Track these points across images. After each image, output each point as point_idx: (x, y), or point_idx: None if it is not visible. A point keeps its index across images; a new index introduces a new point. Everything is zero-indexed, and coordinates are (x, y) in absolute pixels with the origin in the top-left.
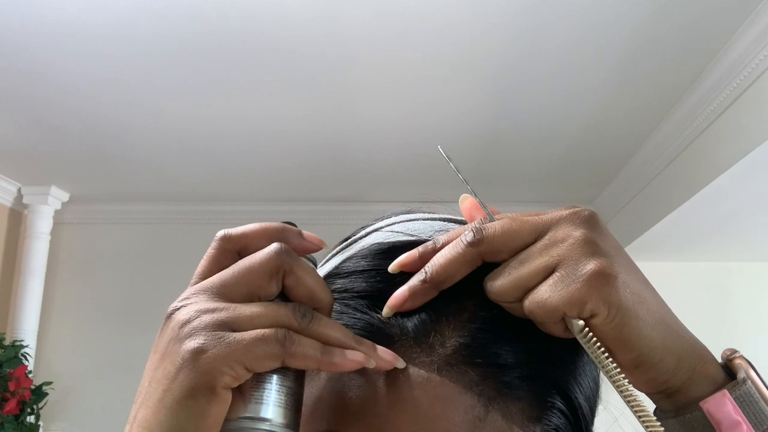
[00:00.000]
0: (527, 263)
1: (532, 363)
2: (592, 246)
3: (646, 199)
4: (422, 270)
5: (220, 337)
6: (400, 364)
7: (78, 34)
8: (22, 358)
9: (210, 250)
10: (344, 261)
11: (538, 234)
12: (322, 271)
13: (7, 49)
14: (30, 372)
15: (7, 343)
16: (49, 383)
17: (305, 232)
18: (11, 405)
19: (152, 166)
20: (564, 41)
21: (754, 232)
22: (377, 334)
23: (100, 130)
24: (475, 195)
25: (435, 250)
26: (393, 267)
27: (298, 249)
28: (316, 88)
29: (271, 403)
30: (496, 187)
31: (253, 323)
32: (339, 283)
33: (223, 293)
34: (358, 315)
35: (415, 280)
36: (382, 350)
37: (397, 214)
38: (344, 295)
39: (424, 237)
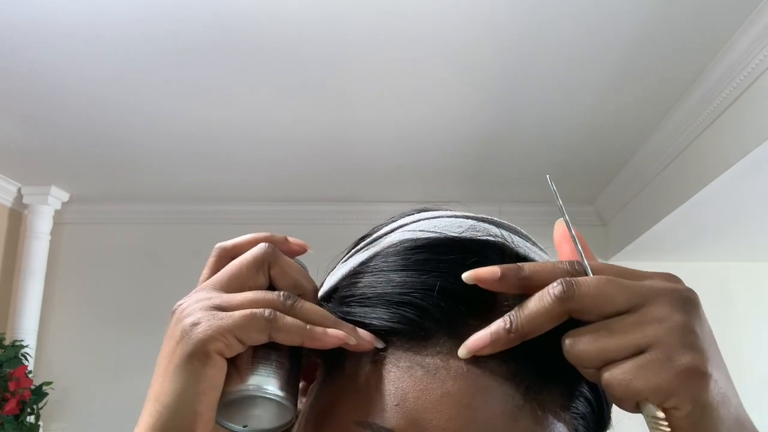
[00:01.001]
0: (617, 336)
1: (561, 353)
2: (690, 336)
3: (646, 199)
4: (507, 317)
5: (214, 314)
6: (379, 344)
7: (78, 34)
8: (22, 358)
9: (209, 260)
10: (371, 258)
11: (633, 304)
12: (344, 268)
13: (7, 50)
14: (30, 372)
15: (7, 343)
16: (49, 383)
17: (290, 238)
18: (11, 405)
19: (152, 166)
20: (564, 41)
21: (754, 232)
22: (414, 327)
23: (101, 131)
24: (575, 240)
25: (519, 276)
26: (468, 276)
27: (284, 252)
28: (317, 89)
29: (266, 375)
30: (497, 187)
31: (243, 306)
32: (366, 281)
33: (218, 287)
34: (393, 310)
35: (498, 327)
36: (362, 332)
37: (411, 213)
38: (374, 290)
39: (451, 234)
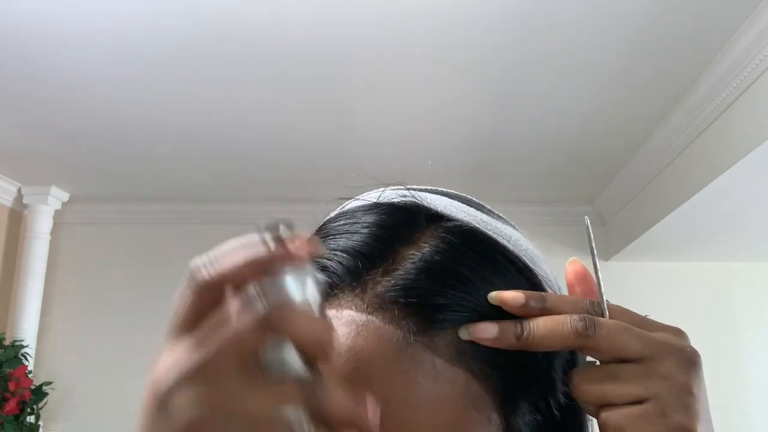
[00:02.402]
0: (622, 383)
1: (463, 307)
2: (688, 397)
3: (646, 199)
4: (519, 324)
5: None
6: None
7: (79, 36)
8: (22, 358)
9: (186, 294)
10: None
11: (642, 355)
12: None
13: (8, 51)
14: (30, 372)
15: (7, 343)
16: (49, 383)
17: (298, 241)
18: (11, 405)
19: (152, 166)
20: (564, 42)
21: (754, 232)
22: (325, 287)
23: (101, 131)
24: (599, 282)
25: (541, 307)
26: (492, 297)
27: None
28: (317, 90)
29: None
30: (496, 187)
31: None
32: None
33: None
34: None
35: (508, 329)
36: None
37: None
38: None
39: (368, 200)
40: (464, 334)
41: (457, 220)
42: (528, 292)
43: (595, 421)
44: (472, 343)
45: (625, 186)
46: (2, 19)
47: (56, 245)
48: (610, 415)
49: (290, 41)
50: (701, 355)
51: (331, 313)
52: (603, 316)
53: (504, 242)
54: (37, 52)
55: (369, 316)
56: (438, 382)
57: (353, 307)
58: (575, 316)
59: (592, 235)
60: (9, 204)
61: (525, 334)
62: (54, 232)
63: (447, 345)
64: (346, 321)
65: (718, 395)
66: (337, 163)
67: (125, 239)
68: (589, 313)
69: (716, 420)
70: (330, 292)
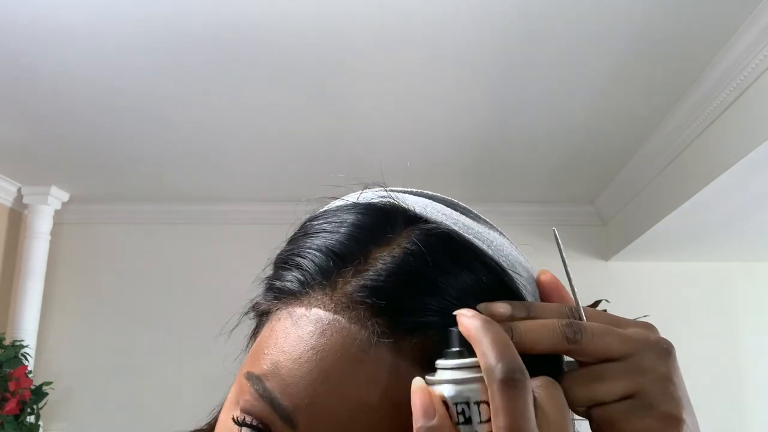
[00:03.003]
0: (608, 381)
1: (432, 311)
2: (670, 386)
3: (646, 199)
4: (509, 327)
5: None
6: None
7: (79, 36)
8: (22, 358)
9: (509, 398)
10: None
11: (624, 353)
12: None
13: (9, 51)
14: (30, 372)
15: (7, 343)
16: (49, 383)
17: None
18: (11, 405)
19: (152, 166)
20: (563, 42)
21: (754, 232)
22: (297, 285)
23: (100, 131)
24: (573, 291)
25: (528, 317)
26: (483, 308)
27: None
28: (317, 90)
29: None
30: (496, 187)
31: None
32: (285, 247)
33: None
34: (287, 271)
35: (501, 332)
36: None
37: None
38: (285, 254)
39: (348, 201)
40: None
41: (435, 222)
42: (513, 302)
43: (585, 423)
44: (440, 349)
45: (625, 186)
46: (2, 20)
47: (56, 245)
48: (601, 413)
49: (290, 42)
50: (697, 347)
51: (300, 311)
52: (581, 320)
53: (483, 246)
54: (38, 53)
55: (335, 315)
56: (400, 385)
57: (321, 306)
58: (563, 321)
59: (561, 245)
60: (9, 204)
61: (515, 337)
62: (54, 232)
63: (412, 348)
64: (313, 319)
65: (718, 395)
66: (337, 163)
67: (125, 239)
68: (570, 318)
69: (716, 419)
70: (301, 291)
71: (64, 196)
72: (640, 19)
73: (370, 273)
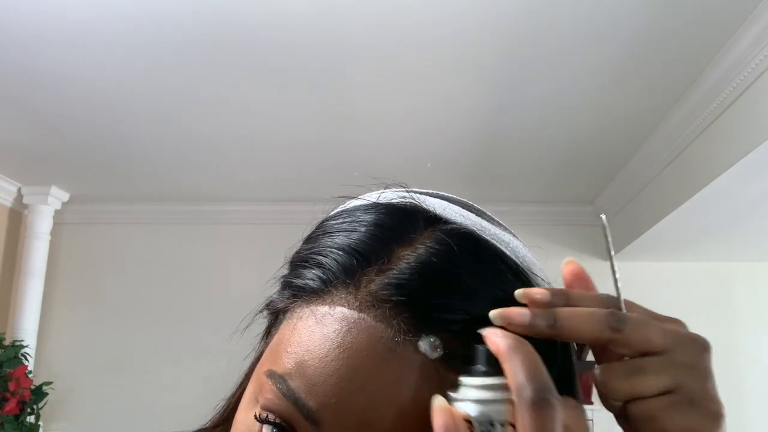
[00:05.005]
0: (649, 375)
1: (457, 308)
2: (711, 383)
3: (646, 199)
4: (551, 313)
5: None
6: None
7: (79, 37)
8: (22, 358)
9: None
10: (315, 227)
11: (665, 347)
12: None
13: (9, 52)
14: (30, 372)
15: (7, 343)
16: (49, 383)
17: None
18: (11, 405)
19: (152, 166)
20: (563, 42)
21: (754, 232)
22: (318, 282)
23: (101, 131)
24: (616, 281)
25: (566, 305)
26: (520, 293)
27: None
28: (317, 90)
29: None
30: (497, 187)
31: None
32: (303, 246)
33: None
34: (308, 269)
35: (540, 318)
36: None
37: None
38: (304, 253)
39: (368, 200)
40: (495, 315)
41: (455, 223)
42: (552, 289)
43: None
44: (465, 346)
45: (625, 186)
46: (3, 20)
47: (56, 245)
48: (641, 408)
49: (291, 42)
50: None
51: (323, 309)
52: (621, 311)
53: (501, 248)
54: (38, 53)
55: (360, 314)
56: (426, 382)
57: (345, 304)
58: (604, 311)
59: (608, 234)
60: (9, 204)
61: (557, 325)
62: (54, 232)
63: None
64: (338, 317)
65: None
66: (337, 163)
67: (125, 239)
68: (610, 307)
69: None
70: (324, 289)
71: (64, 196)
72: (639, 19)
73: (395, 271)
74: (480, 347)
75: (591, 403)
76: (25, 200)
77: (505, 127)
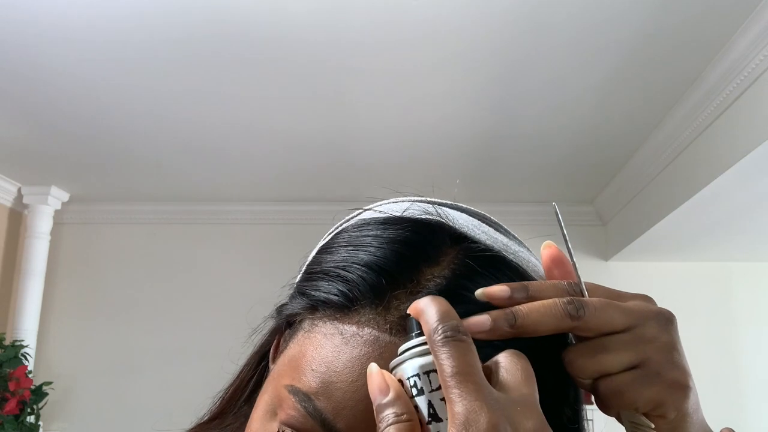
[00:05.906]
0: (613, 352)
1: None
2: (674, 354)
3: (646, 199)
4: (511, 312)
5: None
6: None
7: (79, 36)
8: (22, 358)
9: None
10: (333, 237)
11: (627, 325)
12: (319, 243)
13: (9, 51)
14: (30, 372)
15: (7, 343)
16: (49, 383)
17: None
18: (11, 405)
19: (152, 167)
20: (563, 41)
21: (754, 232)
22: (343, 298)
23: (101, 131)
24: (575, 266)
25: (528, 297)
26: (480, 293)
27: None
28: (317, 89)
29: None
30: (496, 187)
31: None
32: (319, 257)
33: None
34: (329, 283)
35: (501, 320)
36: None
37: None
38: (322, 265)
39: (393, 214)
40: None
41: (480, 243)
42: (511, 283)
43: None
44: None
45: (625, 186)
46: (4, 21)
47: (56, 245)
48: (608, 384)
49: (291, 43)
50: (697, 347)
51: (351, 329)
52: (583, 295)
53: (523, 266)
54: (38, 52)
55: (392, 337)
56: None
57: (375, 326)
58: (564, 299)
59: (562, 221)
60: (9, 204)
61: (518, 321)
62: (54, 232)
63: None
64: (368, 340)
65: (718, 395)
66: (337, 162)
67: (125, 239)
68: (570, 294)
69: (716, 419)
70: (350, 306)
71: (64, 196)
72: (639, 19)
73: (423, 294)
74: (411, 317)
75: (591, 403)
76: (25, 200)
77: (505, 127)
